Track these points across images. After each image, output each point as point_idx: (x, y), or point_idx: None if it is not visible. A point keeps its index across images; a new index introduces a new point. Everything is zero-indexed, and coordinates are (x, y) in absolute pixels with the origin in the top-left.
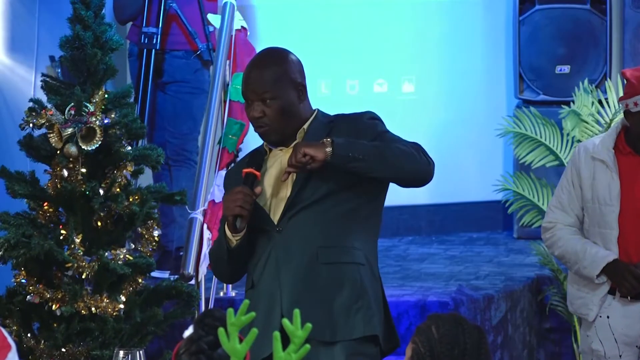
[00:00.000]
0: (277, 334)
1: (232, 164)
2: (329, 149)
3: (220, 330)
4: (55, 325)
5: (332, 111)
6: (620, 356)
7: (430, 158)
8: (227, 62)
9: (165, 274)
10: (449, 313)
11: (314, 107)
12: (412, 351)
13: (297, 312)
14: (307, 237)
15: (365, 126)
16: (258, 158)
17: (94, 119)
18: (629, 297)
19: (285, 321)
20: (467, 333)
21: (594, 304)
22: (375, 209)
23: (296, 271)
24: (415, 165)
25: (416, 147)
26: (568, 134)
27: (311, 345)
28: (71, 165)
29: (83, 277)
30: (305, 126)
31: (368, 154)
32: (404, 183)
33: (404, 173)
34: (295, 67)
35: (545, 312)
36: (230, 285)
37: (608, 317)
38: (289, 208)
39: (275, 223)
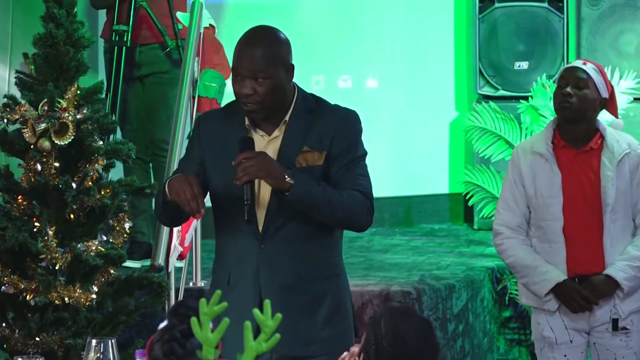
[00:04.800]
0: (248, 324)
1: None
2: (287, 186)
3: (193, 319)
4: (29, 315)
5: None
6: (571, 341)
7: (373, 210)
8: (196, 59)
9: (137, 264)
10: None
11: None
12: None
13: (267, 302)
14: (291, 254)
15: (353, 141)
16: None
17: (67, 115)
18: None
19: (256, 311)
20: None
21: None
22: None
23: (279, 289)
24: (354, 222)
25: (368, 200)
26: (527, 128)
27: None
28: (44, 160)
29: (56, 268)
30: (287, 117)
31: (318, 207)
32: (338, 228)
33: (342, 225)
34: (287, 48)
35: (505, 302)
36: (199, 276)
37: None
38: (272, 219)
39: (260, 231)
